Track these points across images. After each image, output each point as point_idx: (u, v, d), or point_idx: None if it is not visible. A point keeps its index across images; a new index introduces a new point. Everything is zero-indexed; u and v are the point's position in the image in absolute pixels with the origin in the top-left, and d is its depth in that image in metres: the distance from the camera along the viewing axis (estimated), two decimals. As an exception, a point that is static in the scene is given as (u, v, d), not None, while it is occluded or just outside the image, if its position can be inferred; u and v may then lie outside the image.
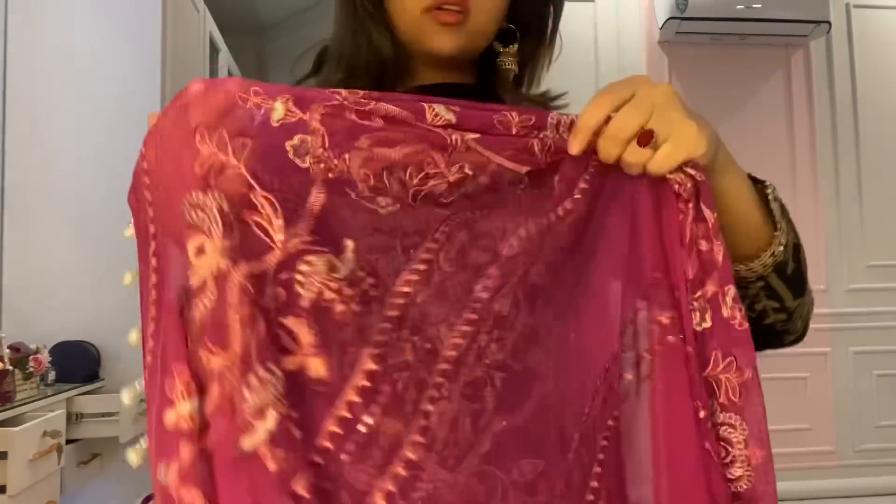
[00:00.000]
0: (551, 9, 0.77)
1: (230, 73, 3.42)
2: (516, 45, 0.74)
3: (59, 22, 2.18)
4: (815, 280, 3.17)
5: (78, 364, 2.02)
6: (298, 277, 0.49)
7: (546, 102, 0.79)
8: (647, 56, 3.00)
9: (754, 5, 2.77)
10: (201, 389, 0.48)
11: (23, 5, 2.16)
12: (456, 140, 0.52)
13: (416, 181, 0.52)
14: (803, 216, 3.02)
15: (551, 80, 2.63)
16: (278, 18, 4.31)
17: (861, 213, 3.06)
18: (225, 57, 3.29)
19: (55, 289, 2.11)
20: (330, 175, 0.50)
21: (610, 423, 0.54)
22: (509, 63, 0.74)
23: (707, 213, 0.54)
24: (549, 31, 0.78)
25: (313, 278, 0.49)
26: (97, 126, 2.17)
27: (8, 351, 1.74)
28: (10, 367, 1.67)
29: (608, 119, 0.55)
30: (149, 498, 1.92)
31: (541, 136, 0.56)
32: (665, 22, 2.86)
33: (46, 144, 2.14)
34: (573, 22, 2.95)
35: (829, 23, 2.84)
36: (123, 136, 2.21)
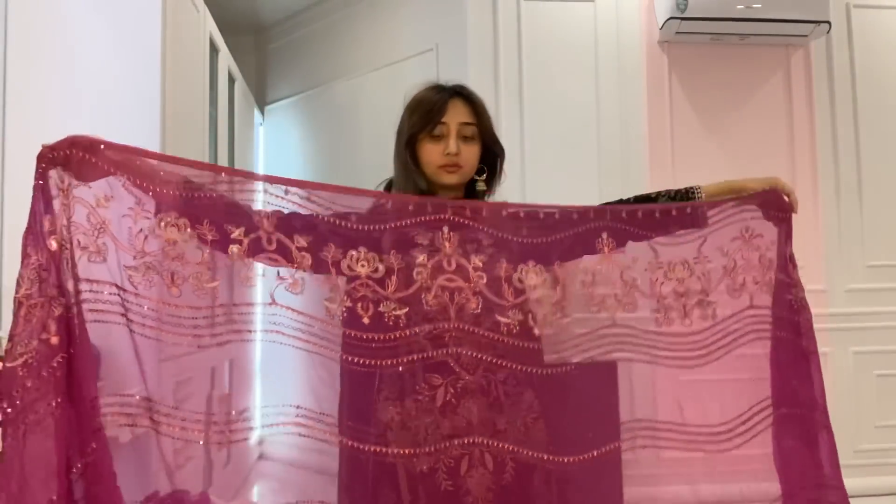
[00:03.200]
0: (502, 151, 1.51)
1: (230, 74, 3.42)
2: (485, 174, 1.49)
3: (58, 22, 2.17)
4: (815, 280, 3.18)
5: (78, 364, 2.02)
6: None
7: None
8: (647, 56, 3.00)
9: (754, 5, 2.77)
10: None
11: (23, 5, 2.16)
12: None
13: None
14: (803, 216, 3.00)
15: (552, 80, 2.69)
16: (278, 18, 4.31)
17: (861, 213, 3.06)
18: (225, 57, 3.29)
19: (55, 289, 2.11)
20: None
21: None
22: (482, 185, 1.48)
23: None
24: (500, 165, 1.52)
25: None
26: (97, 126, 2.17)
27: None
28: (10, 367, 1.67)
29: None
30: (149, 498, 1.92)
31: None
32: (665, 22, 2.86)
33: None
34: (573, 22, 2.95)
35: (829, 23, 2.84)
36: (123, 136, 2.21)
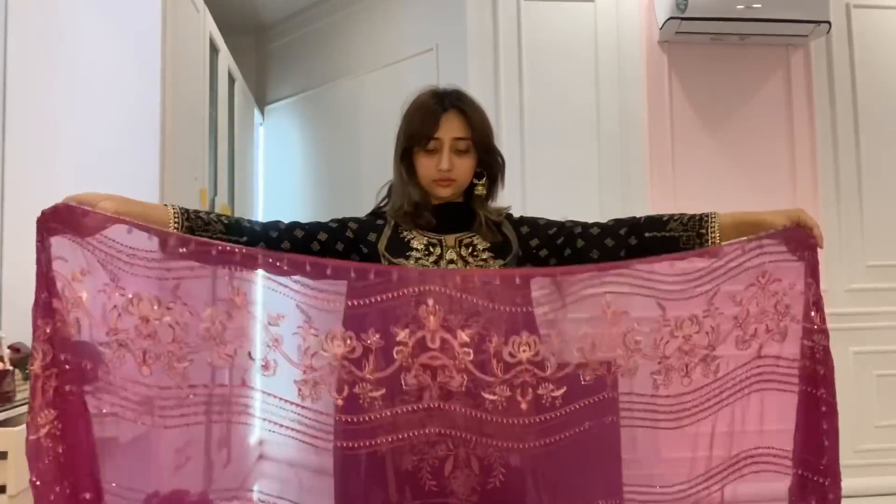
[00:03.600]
0: (499, 161, 1.51)
1: (230, 74, 3.42)
2: (484, 179, 1.48)
3: (58, 22, 2.17)
4: (815, 280, 3.16)
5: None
6: None
7: (500, 212, 1.49)
8: (647, 56, 3.00)
9: (754, 5, 2.77)
10: None
11: (23, 5, 2.16)
12: None
13: None
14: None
15: (552, 80, 2.69)
16: (278, 18, 4.31)
17: (861, 213, 3.06)
18: (225, 57, 3.29)
19: (55, 289, 2.11)
20: None
21: None
22: (481, 189, 1.47)
23: None
24: (500, 170, 1.51)
25: None
26: (97, 126, 2.17)
27: (8, 351, 1.74)
28: (10, 367, 1.67)
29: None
30: (149, 498, 1.92)
31: None
32: (665, 22, 2.86)
33: (47, 144, 2.14)
34: (573, 22, 2.95)
35: (829, 23, 2.84)
36: (123, 136, 2.21)
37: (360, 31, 3.80)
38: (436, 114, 1.41)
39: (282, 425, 1.13)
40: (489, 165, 1.48)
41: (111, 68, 2.19)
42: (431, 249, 1.41)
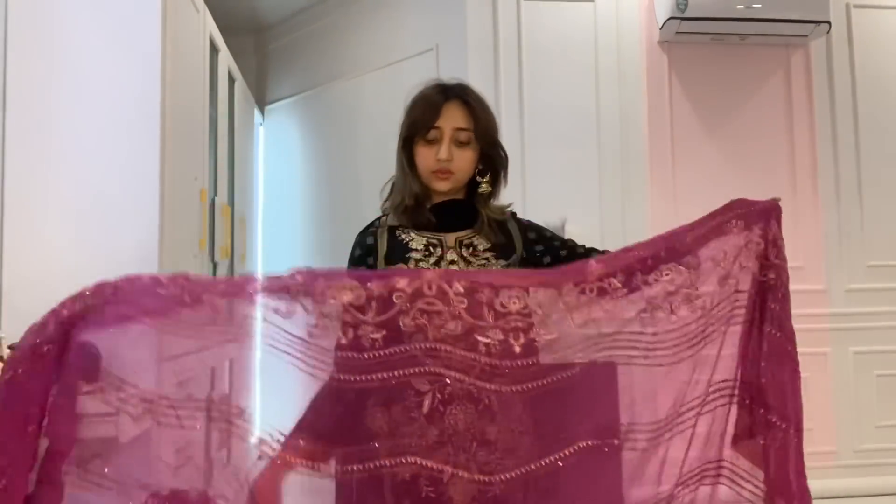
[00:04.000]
0: (502, 157, 1.48)
1: (230, 74, 3.42)
2: (488, 176, 1.46)
3: (58, 22, 2.17)
4: (815, 280, 3.18)
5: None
6: None
7: (502, 210, 1.48)
8: (647, 56, 3.00)
9: (754, 5, 2.77)
10: None
11: (22, 5, 2.16)
12: None
13: None
14: (803, 216, 3.02)
15: (552, 80, 2.69)
16: (278, 18, 4.31)
17: (861, 213, 3.06)
18: (225, 57, 3.29)
19: (55, 289, 2.10)
20: None
21: None
22: (485, 187, 1.46)
23: None
24: (503, 165, 1.48)
25: None
26: (97, 126, 2.17)
27: (8, 351, 1.74)
28: (10, 367, 1.67)
29: None
30: (149, 498, 1.92)
31: None
32: (665, 22, 2.86)
33: (46, 144, 2.14)
34: (573, 22, 2.95)
35: (829, 23, 2.84)
36: (123, 136, 2.21)
37: (360, 31, 3.80)
38: (438, 103, 1.40)
39: (284, 351, 1.20)
40: (492, 161, 1.46)
41: (111, 68, 2.18)
42: (431, 250, 1.39)
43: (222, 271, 3.22)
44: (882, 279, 3.04)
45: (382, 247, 1.40)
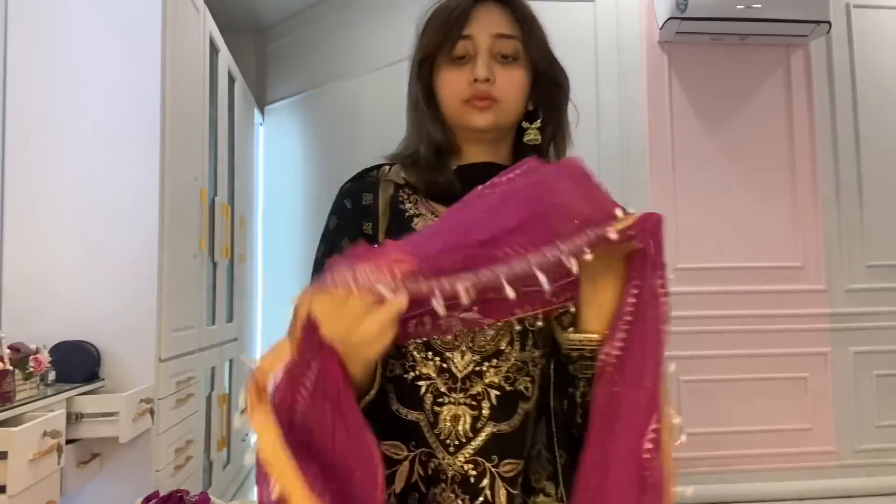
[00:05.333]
0: (564, 89, 1.01)
1: (230, 74, 3.42)
2: (539, 121, 0.98)
3: (58, 22, 2.17)
4: (816, 280, 3.18)
5: (78, 364, 2.02)
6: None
7: None
8: (647, 56, 3.00)
9: (754, 5, 2.77)
10: None
11: (23, 5, 2.16)
12: None
13: None
14: (803, 216, 3.02)
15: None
16: (278, 18, 4.31)
17: (861, 213, 3.06)
18: (225, 57, 3.29)
19: (55, 289, 2.11)
20: None
21: None
22: (534, 136, 0.98)
23: None
24: (565, 106, 1.01)
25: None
26: (97, 126, 2.17)
27: (8, 351, 1.74)
28: (10, 367, 1.67)
29: None
30: (149, 498, 1.92)
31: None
32: (665, 22, 2.86)
33: (46, 144, 2.14)
34: (573, 22, 2.95)
35: (829, 23, 2.84)
36: (123, 136, 2.21)
37: (360, 31, 3.80)
38: (465, 7, 0.94)
39: None
40: (549, 94, 0.99)
41: (111, 68, 2.19)
42: None
43: (222, 271, 3.22)
44: (882, 279, 3.04)
45: (385, 213, 0.96)
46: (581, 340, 0.79)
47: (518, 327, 0.88)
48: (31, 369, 1.77)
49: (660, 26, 2.93)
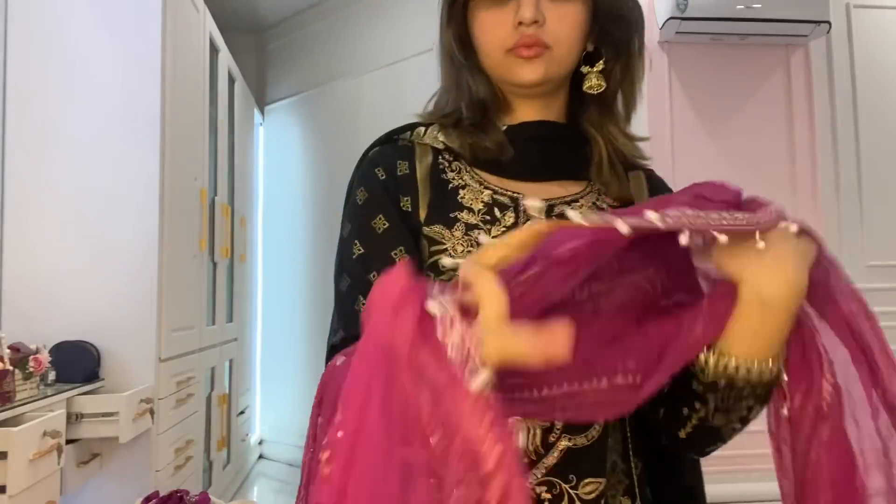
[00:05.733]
0: (632, 24, 0.80)
1: (230, 74, 3.42)
2: (602, 64, 0.79)
3: (58, 22, 2.17)
4: (815, 280, 3.19)
5: (78, 364, 2.02)
6: None
7: (636, 149, 0.82)
8: (648, 56, 3.00)
9: (754, 5, 2.77)
10: None
11: (23, 5, 2.16)
12: None
13: None
14: (803, 216, 3.01)
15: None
16: (278, 18, 4.31)
17: (861, 213, 3.06)
18: (225, 57, 3.28)
19: (55, 289, 2.11)
20: None
21: None
22: (595, 81, 0.78)
23: None
24: (635, 45, 0.81)
25: None
26: (97, 126, 2.17)
27: (8, 351, 1.74)
28: (10, 367, 1.67)
29: None
30: (149, 498, 1.92)
31: None
32: (665, 22, 2.86)
33: (46, 144, 2.14)
34: (573, 22, 2.95)
35: (829, 23, 2.84)
36: (123, 136, 2.21)
37: (360, 31, 3.80)
38: None
39: None
40: (614, 30, 0.78)
41: (111, 68, 2.18)
42: (498, 215, 0.75)
43: (222, 271, 3.21)
44: (882, 279, 3.04)
45: (425, 185, 0.78)
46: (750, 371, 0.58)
47: None
48: (31, 369, 1.77)
49: (660, 26, 2.93)
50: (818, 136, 3.06)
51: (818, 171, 3.06)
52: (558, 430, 0.69)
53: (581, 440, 0.70)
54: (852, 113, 3.08)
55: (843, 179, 3.06)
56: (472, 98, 0.79)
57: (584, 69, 0.79)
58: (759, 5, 2.76)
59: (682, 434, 0.68)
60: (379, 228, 0.75)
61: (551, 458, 0.69)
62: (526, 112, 0.80)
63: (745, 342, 0.57)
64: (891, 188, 3.08)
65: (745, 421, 0.64)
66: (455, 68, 0.80)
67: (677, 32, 2.88)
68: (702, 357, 0.59)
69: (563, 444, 0.69)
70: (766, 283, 0.55)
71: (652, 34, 3.04)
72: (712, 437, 0.68)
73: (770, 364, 0.57)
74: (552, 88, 0.79)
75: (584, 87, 0.79)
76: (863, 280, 3.08)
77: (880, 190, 3.08)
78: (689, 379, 0.62)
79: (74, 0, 2.19)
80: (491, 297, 0.45)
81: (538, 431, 0.69)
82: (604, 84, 0.78)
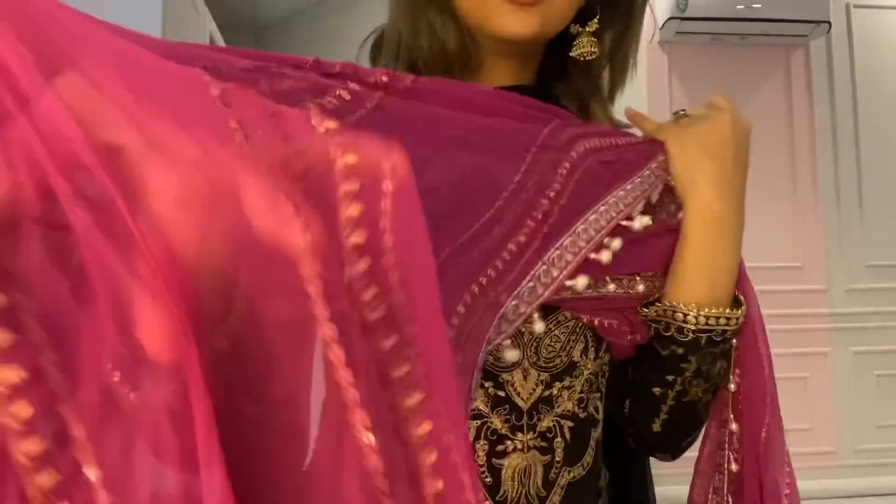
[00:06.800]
0: None
1: (230, 74, 3.42)
2: (595, 23, 0.64)
3: (59, 22, 2.18)
4: (816, 280, 3.18)
5: (78, 364, 2.02)
6: None
7: (616, 126, 0.72)
8: (647, 56, 3.00)
9: (754, 5, 2.77)
10: None
11: (23, 5, 2.16)
12: None
13: None
14: (803, 216, 3.02)
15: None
16: (278, 18, 4.31)
17: (861, 213, 3.06)
18: (225, 57, 3.29)
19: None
20: None
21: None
22: (588, 47, 0.64)
23: None
24: (637, 2, 0.69)
25: None
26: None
27: (8, 351, 1.74)
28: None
29: None
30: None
31: None
32: (665, 22, 2.86)
33: (46, 144, 2.15)
34: (573, 22, 2.95)
35: (829, 23, 2.84)
36: (123, 137, 2.21)
37: (360, 31, 3.80)
38: None
39: None
40: None
41: (111, 68, 2.19)
42: None
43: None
44: (882, 279, 3.04)
45: None
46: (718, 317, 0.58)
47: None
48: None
49: (660, 26, 2.94)
50: (818, 136, 3.06)
51: (818, 172, 3.06)
52: (559, 463, 0.60)
53: (578, 471, 0.61)
54: (852, 113, 3.08)
55: (843, 179, 3.06)
56: (432, 49, 0.61)
57: (575, 28, 0.64)
58: (759, 5, 2.77)
59: (657, 426, 0.62)
60: None
61: (554, 500, 0.59)
62: (498, 74, 0.65)
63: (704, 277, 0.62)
64: (891, 188, 3.08)
65: (716, 390, 0.63)
66: (414, 4, 0.63)
67: (677, 32, 2.88)
68: (679, 314, 0.58)
69: (565, 479, 0.60)
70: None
71: (652, 34, 3.04)
72: (691, 419, 0.64)
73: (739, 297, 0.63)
74: (535, 48, 0.65)
75: (573, 53, 0.64)
76: (863, 280, 3.09)
77: (880, 190, 3.08)
78: (656, 357, 0.60)
79: (74, 0, 2.19)
80: None
81: (539, 469, 0.59)
82: (596, 50, 0.65)
